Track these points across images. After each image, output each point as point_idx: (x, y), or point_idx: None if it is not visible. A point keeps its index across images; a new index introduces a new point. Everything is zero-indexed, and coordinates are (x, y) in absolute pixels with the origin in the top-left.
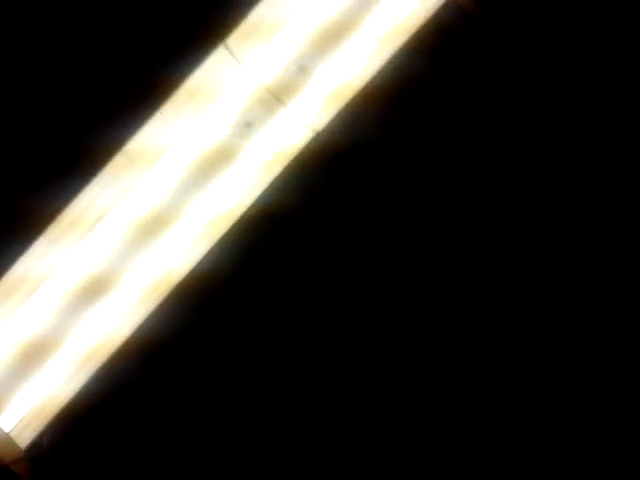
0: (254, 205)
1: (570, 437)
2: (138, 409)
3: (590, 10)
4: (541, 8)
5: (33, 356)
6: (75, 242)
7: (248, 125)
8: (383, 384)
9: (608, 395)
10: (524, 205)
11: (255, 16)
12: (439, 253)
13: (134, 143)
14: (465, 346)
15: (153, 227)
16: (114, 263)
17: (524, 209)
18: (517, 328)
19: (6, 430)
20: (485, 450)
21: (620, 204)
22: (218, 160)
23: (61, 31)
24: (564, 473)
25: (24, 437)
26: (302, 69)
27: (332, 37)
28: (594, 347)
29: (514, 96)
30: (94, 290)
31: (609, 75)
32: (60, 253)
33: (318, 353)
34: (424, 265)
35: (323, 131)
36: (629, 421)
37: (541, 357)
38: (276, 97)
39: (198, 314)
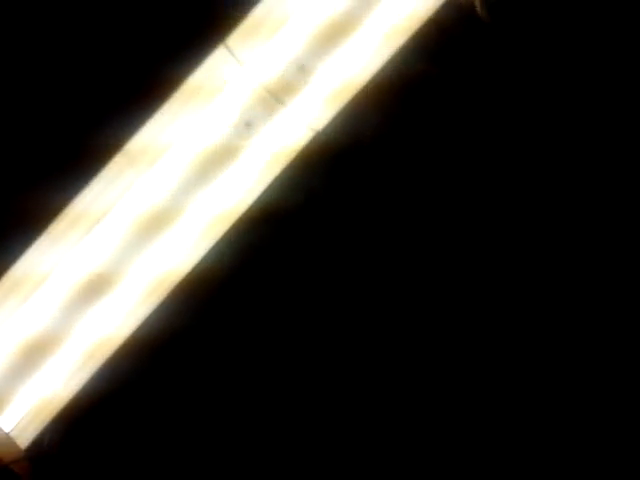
0: (254, 205)
1: (570, 437)
2: (139, 408)
3: (589, 10)
4: (541, 9)
5: (33, 356)
6: (77, 240)
7: (248, 125)
8: (383, 383)
9: (608, 395)
10: (524, 206)
11: (255, 16)
12: (439, 253)
13: (134, 143)
14: (465, 346)
15: (154, 226)
16: (115, 261)
17: (524, 210)
18: (517, 328)
19: (6, 430)
20: (485, 450)
21: (620, 205)
22: (218, 160)
23: (60, 31)
24: (564, 473)
25: (24, 437)
26: (302, 69)
27: (332, 37)
28: (594, 347)
29: (514, 96)
30: (94, 289)
31: (609, 77)
32: (62, 251)
33: (319, 352)
34: (424, 265)
35: (323, 131)
36: (629, 421)
37: (541, 357)
38: (276, 97)
39: (199, 313)
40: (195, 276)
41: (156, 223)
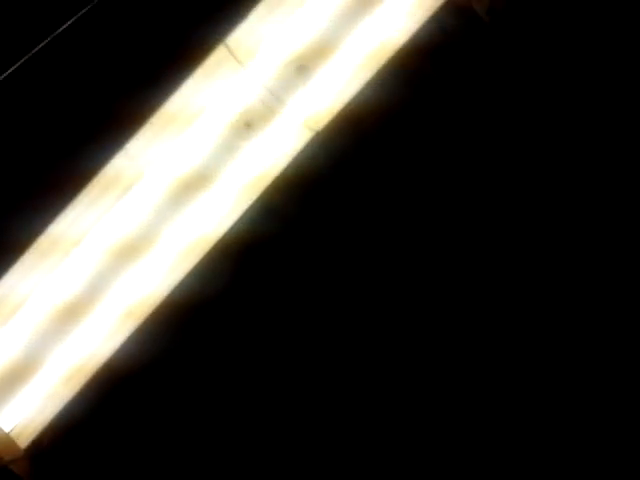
0: (254, 204)
1: (570, 437)
2: (137, 409)
3: (587, 10)
4: (539, 11)
5: (33, 357)
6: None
7: (248, 125)
8: (382, 388)
9: (608, 395)
10: (524, 207)
11: (255, 16)
12: (439, 253)
13: (138, 144)
14: (465, 346)
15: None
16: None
17: (524, 211)
18: (517, 328)
19: (6, 430)
20: (485, 450)
21: (620, 205)
22: (218, 159)
23: (61, 34)
24: (564, 473)
25: (24, 437)
26: (302, 69)
27: (332, 38)
28: (594, 347)
29: (514, 97)
30: (86, 302)
31: (608, 79)
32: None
33: (317, 359)
34: (424, 266)
35: (323, 131)
36: (629, 421)
37: (541, 357)
38: (276, 97)
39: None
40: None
41: (156, 222)
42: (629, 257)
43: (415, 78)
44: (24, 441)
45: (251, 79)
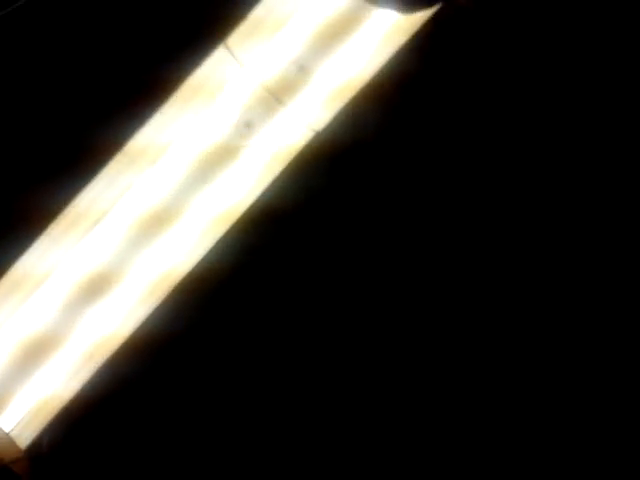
0: (254, 205)
1: (570, 437)
2: (139, 409)
3: (585, 8)
4: (536, 6)
5: (33, 355)
6: (77, 240)
7: (248, 125)
8: (383, 385)
9: (608, 395)
10: (524, 205)
11: (255, 16)
12: (440, 253)
13: (134, 142)
14: (465, 346)
15: (153, 226)
16: (115, 261)
17: (524, 209)
18: (517, 328)
19: (6, 430)
20: (485, 450)
21: (620, 204)
22: (218, 160)
23: (60, 31)
24: (564, 473)
25: (24, 437)
26: (302, 69)
27: (332, 37)
28: (594, 347)
29: (512, 95)
30: (95, 288)
31: (606, 77)
32: (62, 251)
33: (319, 354)
34: (425, 265)
35: (323, 131)
36: (629, 421)
37: (541, 357)
38: (276, 97)
39: (199, 313)
40: (194, 276)
41: (156, 223)
42: (629, 257)
43: (416, 77)
44: (24, 441)
45: (251, 79)
